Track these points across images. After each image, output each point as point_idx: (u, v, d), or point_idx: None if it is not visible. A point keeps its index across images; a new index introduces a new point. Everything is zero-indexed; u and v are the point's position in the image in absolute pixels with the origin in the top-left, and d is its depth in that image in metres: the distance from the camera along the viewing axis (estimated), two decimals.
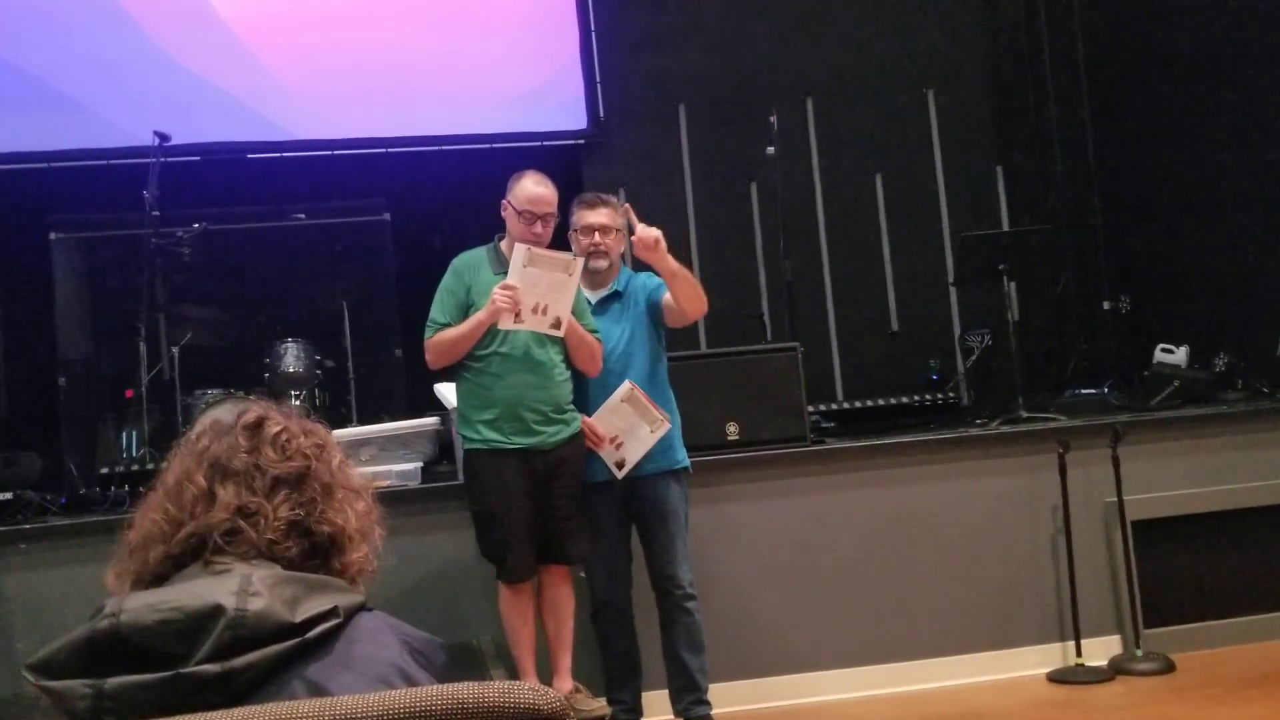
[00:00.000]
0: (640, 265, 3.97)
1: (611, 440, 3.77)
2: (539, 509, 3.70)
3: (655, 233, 3.69)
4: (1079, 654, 4.40)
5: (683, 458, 3.94)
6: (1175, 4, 6.10)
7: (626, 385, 3.77)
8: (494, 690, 1.08)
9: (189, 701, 1.09)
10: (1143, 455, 4.57)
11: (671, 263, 3.74)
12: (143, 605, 1.11)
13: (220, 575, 1.18)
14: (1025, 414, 4.82)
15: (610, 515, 3.88)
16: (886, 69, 6.97)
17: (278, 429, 1.31)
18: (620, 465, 3.79)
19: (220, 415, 1.37)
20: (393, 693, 1.09)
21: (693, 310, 3.88)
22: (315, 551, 1.28)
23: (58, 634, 1.13)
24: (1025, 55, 7.07)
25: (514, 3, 6.65)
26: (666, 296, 3.87)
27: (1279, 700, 3.92)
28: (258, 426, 1.31)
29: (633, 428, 3.76)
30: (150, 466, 4.68)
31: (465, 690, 1.08)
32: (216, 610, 1.10)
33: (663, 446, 3.83)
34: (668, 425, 3.79)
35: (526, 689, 1.10)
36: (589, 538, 3.80)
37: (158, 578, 1.23)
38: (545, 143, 6.54)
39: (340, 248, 6.36)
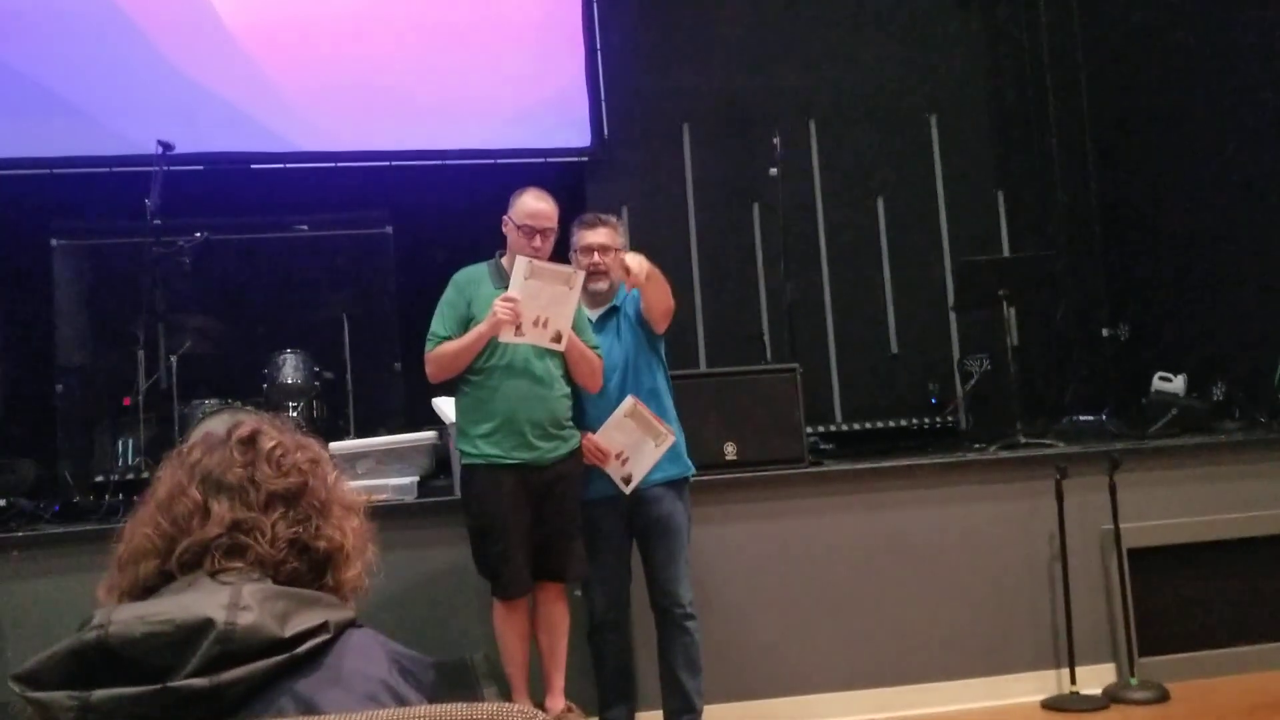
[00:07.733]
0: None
1: (617, 456, 3.76)
2: (536, 525, 3.68)
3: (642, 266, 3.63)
4: (1073, 681, 4.38)
5: (688, 465, 3.92)
6: (1177, 33, 6.12)
7: (630, 400, 3.76)
8: (483, 711, 1.07)
9: (176, 716, 1.07)
10: (1140, 483, 4.56)
11: (654, 277, 3.70)
12: (132, 617, 1.10)
13: (210, 589, 1.17)
14: (1023, 440, 4.82)
15: (613, 532, 3.85)
16: (889, 93, 7.00)
17: (272, 444, 1.30)
18: (627, 481, 3.77)
19: (213, 428, 1.35)
20: (381, 711, 1.08)
21: (657, 304, 3.78)
22: (310, 568, 1.27)
23: (48, 643, 1.12)
24: (1027, 81, 7.10)
25: (520, 20, 6.68)
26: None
27: None
28: (252, 441, 1.30)
29: (637, 443, 3.74)
30: (145, 476, 4.66)
31: (454, 710, 1.07)
32: (206, 624, 1.09)
33: (671, 455, 3.81)
34: (673, 438, 3.77)
35: (515, 710, 1.09)
36: (586, 555, 3.77)
37: (148, 591, 1.22)
38: (549, 160, 6.56)
39: (341, 260, 6.38)
